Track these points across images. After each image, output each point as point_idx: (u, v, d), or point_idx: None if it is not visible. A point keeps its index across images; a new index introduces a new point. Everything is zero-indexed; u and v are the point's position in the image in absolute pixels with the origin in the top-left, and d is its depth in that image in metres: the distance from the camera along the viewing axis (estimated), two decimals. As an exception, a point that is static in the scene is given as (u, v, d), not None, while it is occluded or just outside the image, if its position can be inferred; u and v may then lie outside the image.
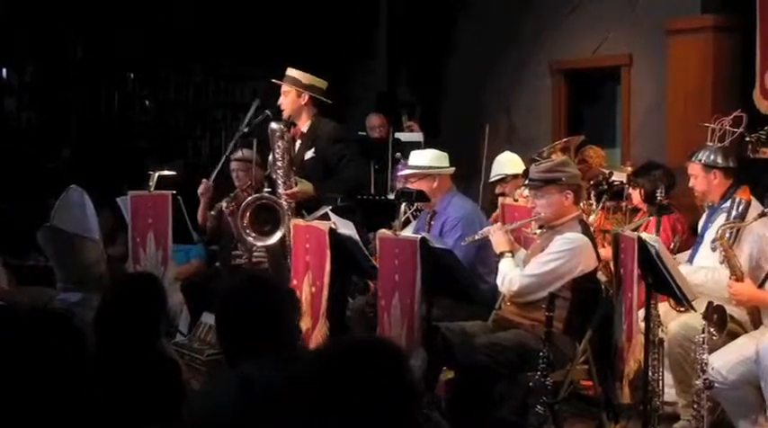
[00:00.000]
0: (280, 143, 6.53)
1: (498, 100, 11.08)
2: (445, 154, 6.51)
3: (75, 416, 2.71)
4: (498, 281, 5.46)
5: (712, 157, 5.77)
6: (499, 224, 5.95)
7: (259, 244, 6.58)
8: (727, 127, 5.86)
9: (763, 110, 8.16)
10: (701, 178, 5.81)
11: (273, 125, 6.59)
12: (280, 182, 6.58)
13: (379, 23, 12.10)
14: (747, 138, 7.16)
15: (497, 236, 5.60)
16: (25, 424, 2.69)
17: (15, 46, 10.25)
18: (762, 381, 4.97)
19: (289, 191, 6.54)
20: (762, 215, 5.26)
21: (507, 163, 7.74)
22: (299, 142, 6.83)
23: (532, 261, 5.35)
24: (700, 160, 5.80)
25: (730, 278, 5.24)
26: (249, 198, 6.59)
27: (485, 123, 8.94)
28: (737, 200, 5.47)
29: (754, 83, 8.29)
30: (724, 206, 5.64)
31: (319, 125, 6.86)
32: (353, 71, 11.84)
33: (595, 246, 5.40)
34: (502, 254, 5.53)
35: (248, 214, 6.50)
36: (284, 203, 6.50)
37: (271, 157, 6.71)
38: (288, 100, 6.81)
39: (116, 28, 10.55)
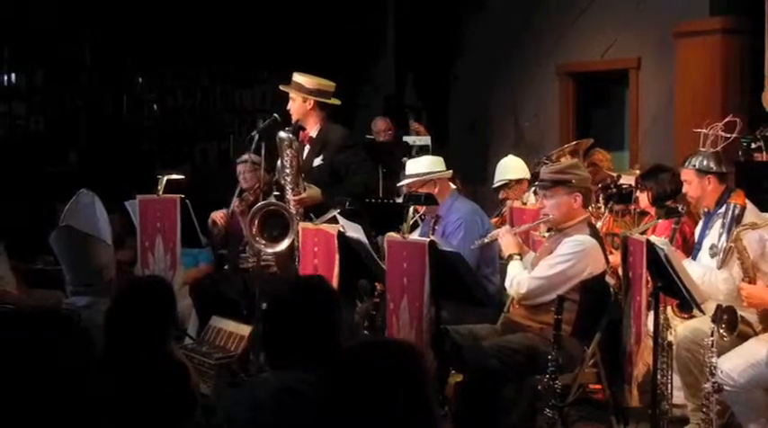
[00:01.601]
0: (288, 151, 6.53)
1: (506, 103, 11.09)
2: (440, 158, 6.50)
3: (82, 419, 2.71)
4: (507, 284, 5.45)
5: (705, 163, 5.72)
6: (507, 226, 5.93)
7: (269, 251, 6.56)
8: (720, 132, 5.84)
9: (771, 112, 8.16)
10: (695, 184, 5.77)
11: (282, 134, 6.58)
12: (288, 188, 6.57)
13: (388, 27, 12.11)
14: (749, 143, 7.15)
15: (506, 239, 5.59)
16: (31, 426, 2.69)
17: (24, 50, 10.28)
18: (774, 384, 4.96)
19: (297, 197, 6.54)
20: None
21: (510, 168, 7.72)
22: (307, 147, 6.83)
23: (541, 263, 5.34)
24: (693, 166, 5.77)
25: (743, 280, 5.22)
26: (258, 204, 6.57)
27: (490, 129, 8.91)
28: (732, 205, 5.44)
29: (762, 85, 8.29)
30: (720, 212, 5.60)
31: (328, 131, 6.85)
32: (362, 75, 11.85)
33: (604, 249, 5.39)
34: (510, 257, 5.52)
35: (257, 221, 6.49)
36: (292, 209, 6.49)
37: (279, 164, 6.71)
38: (295, 105, 6.83)
39: (124, 33, 10.57)
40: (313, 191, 6.61)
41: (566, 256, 5.22)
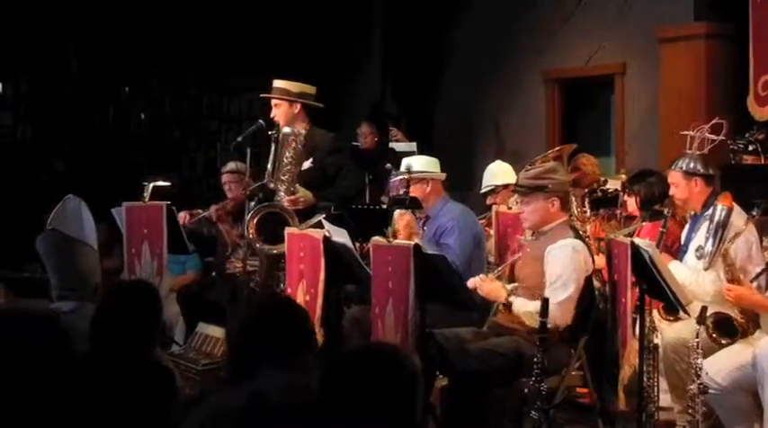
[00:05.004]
0: (293, 146, 6.49)
1: (492, 109, 11.11)
2: (436, 160, 6.54)
3: (64, 422, 2.71)
4: (527, 321, 5.29)
5: (692, 165, 5.75)
6: (482, 276, 5.74)
7: (275, 252, 6.49)
8: (707, 134, 5.86)
9: (758, 117, 8.19)
10: (681, 186, 5.79)
11: (286, 129, 6.55)
12: (282, 188, 6.53)
13: (374, 34, 12.12)
14: (731, 145, 7.18)
15: (492, 287, 5.48)
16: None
17: (10, 59, 10.27)
18: (759, 386, 4.94)
19: (292, 198, 6.51)
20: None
21: (498, 173, 7.71)
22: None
23: (548, 288, 5.19)
24: (680, 168, 5.79)
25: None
26: (259, 207, 6.50)
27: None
28: (719, 207, 5.45)
29: (747, 90, 8.32)
30: (706, 214, 5.61)
31: (315, 135, 6.85)
32: (348, 82, 11.86)
33: (590, 250, 5.39)
34: (507, 301, 5.38)
35: (255, 222, 6.44)
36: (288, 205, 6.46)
37: (270, 165, 6.64)
38: (281, 111, 6.78)
39: (111, 41, 10.57)
40: (306, 194, 6.59)
41: (569, 267, 5.17)
